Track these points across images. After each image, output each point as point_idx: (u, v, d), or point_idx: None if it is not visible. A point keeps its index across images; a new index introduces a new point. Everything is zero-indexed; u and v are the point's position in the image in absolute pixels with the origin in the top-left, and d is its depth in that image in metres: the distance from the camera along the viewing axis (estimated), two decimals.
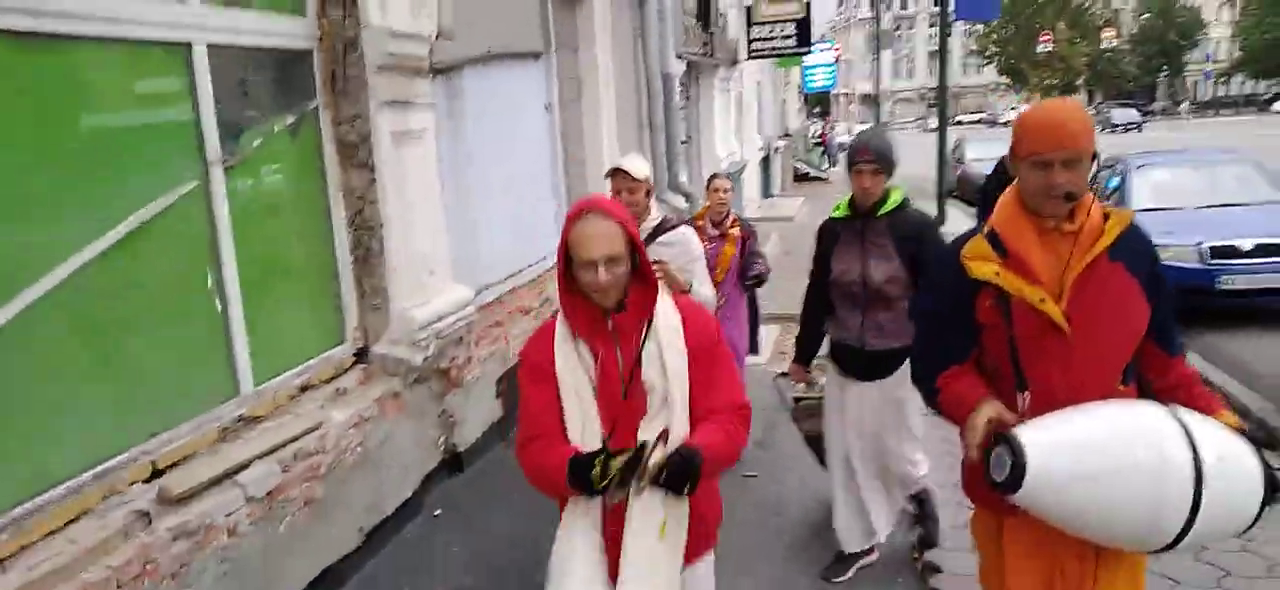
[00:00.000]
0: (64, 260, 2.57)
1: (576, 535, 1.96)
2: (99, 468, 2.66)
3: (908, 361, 3.22)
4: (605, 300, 1.98)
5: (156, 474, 2.81)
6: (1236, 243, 7.52)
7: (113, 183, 2.77)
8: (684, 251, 3.56)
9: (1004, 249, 1.99)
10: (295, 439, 3.25)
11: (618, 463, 1.82)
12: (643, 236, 3.35)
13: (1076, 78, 67.79)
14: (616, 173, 3.59)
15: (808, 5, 13.14)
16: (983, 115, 69.72)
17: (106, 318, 2.75)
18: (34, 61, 2.52)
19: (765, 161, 18.30)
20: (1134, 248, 2.00)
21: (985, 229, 2.07)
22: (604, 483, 1.82)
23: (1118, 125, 44.59)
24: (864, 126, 37.06)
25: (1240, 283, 7.41)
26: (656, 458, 1.83)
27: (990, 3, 12.76)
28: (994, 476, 1.82)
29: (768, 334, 7.25)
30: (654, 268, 2.95)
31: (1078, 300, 1.94)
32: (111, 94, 2.84)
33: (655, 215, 3.68)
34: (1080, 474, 1.76)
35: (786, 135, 23.97)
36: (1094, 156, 1.96)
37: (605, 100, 7.06)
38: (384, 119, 3.80)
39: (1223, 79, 73.73)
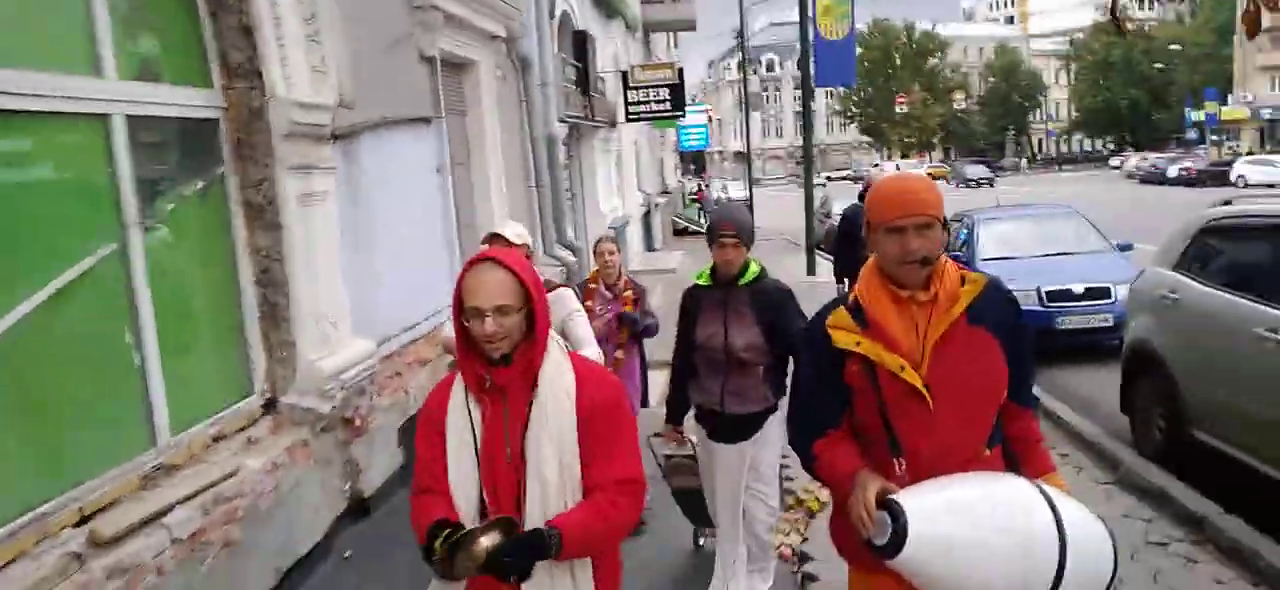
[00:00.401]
0: None
1: None
2: (32, 513, 2.80)
3: (765, 423, 3.53)
4: (493, 351, 1.92)
5: (84, 519, 2.96)
6: (1070, 287, 8.46)
7: (38, 245, 2.94)
8: (560, 307, 3.74)
9: (864, 318, 2.05)
10: (214, 484, 3.42)
11: (444, 543, 1.81)
12: None
13: (932, 136, 72.45)
14: (494, 238, 3.74)
15: (680, 71, 13.92)
16: (848, 171, 73.49)
17: (34, 372, 2.90)
18: None
19: (646, 216, 18.96)
20: (994, 308, 2.05)
21: (848, 299, 2.14)
22: (434, 560, 1.83)
23: (970, 180, 47.68)
24: (736, 184, 38.54)
25: (1075, 322, 8.32)
26: (485, 543, 1.80)
27: (847, 70, 13.84)
28: (875, 540, 1.87)
29: (655, 379, 7.70)
30: None
31: (938, 366, 1.98)
32: (36, 162, 3.02)
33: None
34: (957, 541, 1.82)
35: (665, 192, 24.83)
36: (944, 224, 2.03)
37: (493, 161, 7.44)
38: (289, 183, 4.05)
39: (1064, 136, 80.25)
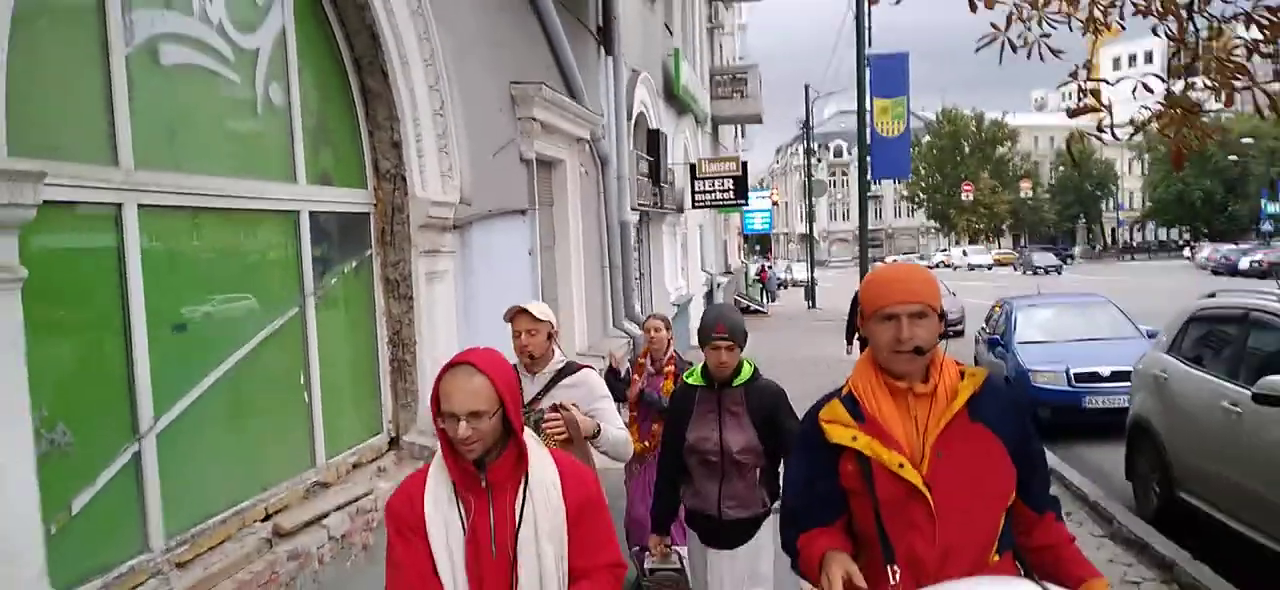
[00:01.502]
0: (219, 363, 3.74)
1: None
2: (235, 508, 3.77)
3: (762, 527, 3.40)
4: (468, 454, 1.97)
5: (268, 516, 3.92)
6: (1098, 369, 9.09)
7: (251, 308, 3.97)
8: (588, 394, 3.56)
9: (861, 412, 1.96)
10: (356, 499, 4.37)
11: None
12: (546, 380, 3.56)
13: (1001, 222, 72.13)
14: (519, 313, 3.62)
15: (743, 164, 14.95)
16: (915, 255, 73.42)
17: (242, 402, 3.90)
18: (203, 225, 3.75)
19: (709, 295, 19.86)
20: (996, 405, 1.96)
21: (843, 391, 2.06)
22: None
23: (1038, 268, 47.56)
24: (800, 265, 39.12)
25: (1101, 402, 8.94)
26: None
27: (902, 165, 14.72)
28: None
29: None
30: (557, 413, 3.28)
31: (939, 465, 1.88)
32: (254, 247, 4.07)
33: (558, 358, 3.67)
34: None
35: (728, 271, 25.73)
36: (942, 316, 1.97)
37: (574, 245, 8.46)
38: (419, 263, 5.07)
39: (1137, 225, 79.06)
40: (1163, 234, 75.79)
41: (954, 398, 1.93)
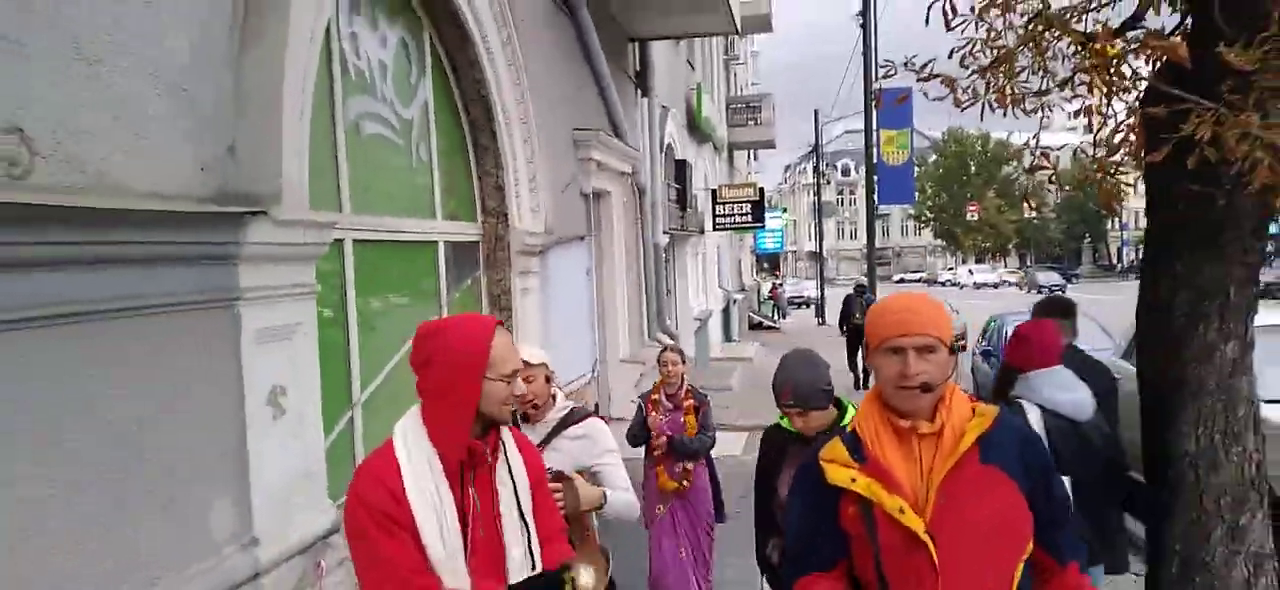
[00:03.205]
0: (395, 353, 5.03)
1: None
2: None
3: None
4: (508, 416, 1.99)
5: None
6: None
7: (404, 319, 5.27)
8: (593, 445, 3.20)
9: (863, 453, 1.86)
10: None
11: (585, 578, 1.86)
12: (547, 429, 3.20)
13: (1007, 242, 73.15)
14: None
15: (761, 190, 16.29)
16: (923, 274, 74.40)
17: (392, 404, 5.19)
18: (384, 252, 5.06)
19: (726, 311, 21.15)
20: (1009, 445, 1.85)
21: (846, 429, 1.97)
22: None
23: (1042, 287, 48.48)
24: (810, 282, 40.28)
25: None
26: (588, 579, 1.87)
27: (906, 192, 16.03)
28: None
29: (736, 439, 9.82)
30: (561, 485, 2.71)
31: (944, 511, 1.78)
32: (410, 270, 5.38)
33: (561, 404, 3.29)
34: None
35: (742, 289, 27.04)
36: (952, 349, 1.85)
37: (619, 265, 9.79)
38: (516, 281, 6.38)
39: (1141, 243, 79.61)
40: None
41: (962, 437, 1.81)
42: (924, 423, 1.84)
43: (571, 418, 3.25)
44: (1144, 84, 3.22)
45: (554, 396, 3.29)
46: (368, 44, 4.82)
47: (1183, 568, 3.49)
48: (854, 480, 1.84)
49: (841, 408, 3.09)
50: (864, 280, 15.74)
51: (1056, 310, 4.40)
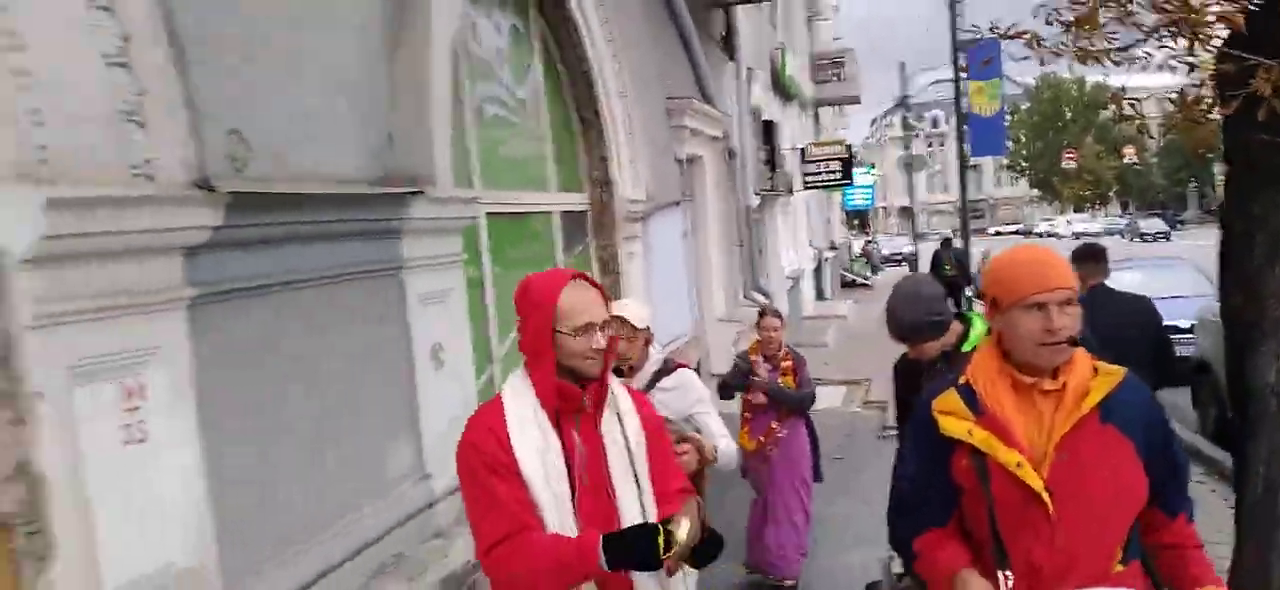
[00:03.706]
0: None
1: None
2: None
3: None
4: (594, 369, 1.95)
5: None
6: (1177, 322, 10.30)
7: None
8: (684, 395, 3.30)
9: (979, 405, 1.84)
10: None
11: (682, 532, 1.82)
12: (643, 383, 3.28)
13: (1108, 189, 70.30)
14: (617, 320, 3.02)
15: (849, 147, 16.34)
16: (1019, 226, 72.25)
17: None
18: (509, 222, 5.57)
19: (817, 270, 21.29)
20: (1129, 407, 1.83)
21: (960, 380, 1.93)
22: (669, 553, 1.81)
23: (1146, 235, 46.69)
24: (903, 238, 39.54)
25: (1180, 351, 10.18)
26: (685, 532, 1.83)
27: (997, 143, 15.86)
28: None
29: (835, 392, 10.16)
30: (686, 446, 2.81)
31: (1062, 468, 1.77)
32: (529, 237, 5.88)
33: (655, 359, 3.43)
34: None
35: (833, 247, 27.05)
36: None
37: (713, 227, 10.18)
38: (622, 246, 6.84)
39: None
40: None
41: (1085, 396, 1.80)
42: (1046, 380, 1.83)
43: (665, 369, 3.40)
44: (1217, 42, 3.42)
45: (649, 354, 3.41)
46: (486, 32, 5.31)
47: (1267, 489, 3.75)
48: (970, 432, 1.83)
49: (967, 322, 3.07)
50: (950, 234, 15.71)
51: (1088, 256, 5.14)
